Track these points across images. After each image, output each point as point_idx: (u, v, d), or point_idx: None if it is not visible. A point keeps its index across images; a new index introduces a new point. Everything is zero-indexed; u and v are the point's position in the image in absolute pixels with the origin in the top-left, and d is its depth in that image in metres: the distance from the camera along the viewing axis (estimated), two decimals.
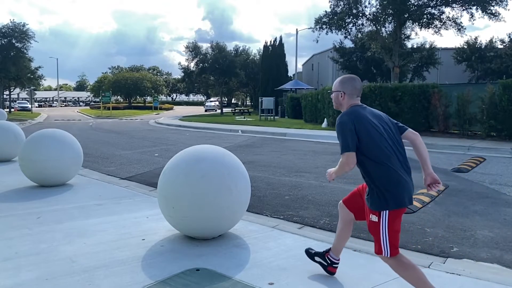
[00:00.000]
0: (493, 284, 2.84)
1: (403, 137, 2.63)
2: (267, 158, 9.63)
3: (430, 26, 24.64)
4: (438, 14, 24.34)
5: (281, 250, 3.39)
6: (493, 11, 22.53)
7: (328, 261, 2.95)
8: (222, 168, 3.52)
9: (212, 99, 65.23)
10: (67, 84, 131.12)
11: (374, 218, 2.48)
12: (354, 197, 2.83)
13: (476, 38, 38.16)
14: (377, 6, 24.60)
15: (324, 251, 3.00)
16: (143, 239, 3.63)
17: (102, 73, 78.83)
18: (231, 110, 41.58)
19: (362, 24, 26.06)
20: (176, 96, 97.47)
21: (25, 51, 34.44)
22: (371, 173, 2.46)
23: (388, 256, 2.49)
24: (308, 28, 30.84)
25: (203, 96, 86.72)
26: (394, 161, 2.46)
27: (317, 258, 3.01)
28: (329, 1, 25.64)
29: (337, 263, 2.95)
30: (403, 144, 2.58)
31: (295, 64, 41.21)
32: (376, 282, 2.82)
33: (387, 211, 2.43)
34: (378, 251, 2.51)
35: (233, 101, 76.45)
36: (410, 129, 2.67)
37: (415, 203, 5.20)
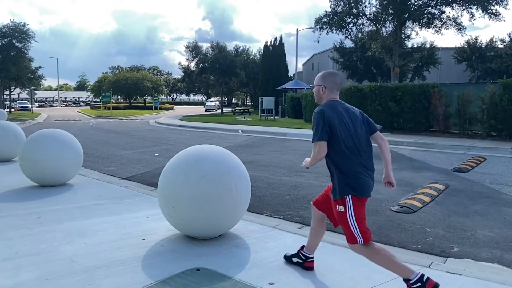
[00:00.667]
0: (493, 284, 2.84)
1: (371, 137, 2.88)
2: (267, 158, 9.63)
3: (430, 26, 24.63)
4: (438, 13, 24.33)
5: (281, 250, 3.39)
6: (493, 11, 22.53)
7: (303, 257, 3.06)
8: (222, 168, 3.52)
9: (212, 99, 65.22)
10: (67, 84, 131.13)
11: (340, 208, 2.66)
12: (323, 198, 3.02)
13: (476, 38, 38.15)
14: (377, 6, 24.60)
15: (298, 250, 3.13)
16: (144, 239, 3.63)
17: (103, 73, 78.89)
18: (231, 110, 41.58)
19: (363, 24, 26.06)
20: (177, 96, 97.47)
21: (25, 51, 34.44)
22: (336, 165, 2.69)
23: (363, 243, 2.63)
24: (308, 28, 30.86)
25: (203, 96, 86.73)
26: (357, 158, 2.70)
27: (294, 259, 3.11)
28: (329, 1, 25.64)
29: (312, 258, 3.06)
30: (370, 144, 2.83)
31: (295, 64, 41.26)
32: (376, 282, 2.82)
33: (350, 196, 2.63)
34: (353, 241, 2.65)
35: (233, 101, 76.45)
36: (379, 133, 2.91)
37: (415, 202, 5.20)
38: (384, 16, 24.59)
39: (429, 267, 3.09)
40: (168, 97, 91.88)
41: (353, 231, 2.61)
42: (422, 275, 2.52)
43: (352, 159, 2.68)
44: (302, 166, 2.94)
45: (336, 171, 2.71)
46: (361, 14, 25.40)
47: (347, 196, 2.64)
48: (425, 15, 24.30)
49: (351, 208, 2.62)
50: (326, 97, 2.81)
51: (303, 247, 3.11)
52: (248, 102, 66.53)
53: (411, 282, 2.53)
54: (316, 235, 3.07)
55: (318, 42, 26.90)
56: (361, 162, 2.72)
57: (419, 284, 2.50)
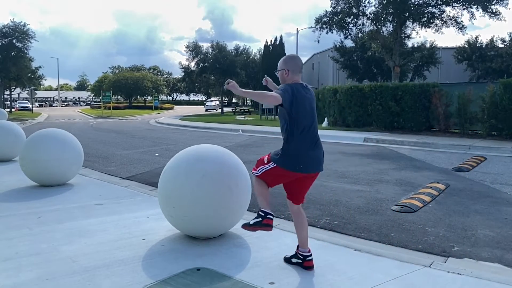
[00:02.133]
0: (494, 284, 2.83)
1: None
2: None
3: (430, 25, 24.61)
4: (438, 13, 24.31)
5: (281, 250, 3.39)
6: (494, 10, 22.51)
7: (301, 256, 3.06)
8: (222, 168, 3.52)
9: (212, 98, 65.19)
10: (67, 84, 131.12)
11: (266, 160, 2.99)
12: (288, 187, 3.13)
13: (476, 37, 38.09)
14: (377, 6, 24.58)
15: (295, 250, 3.15)
16: (144, 239, 3.63)
17: (103, 72, 78.90)
18: (232, 109, 41.57)
19: (363, 24, 26.04)
20: (177, 95, 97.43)
21: (25, 51, 34.44)
22: (289, 137, 2.90)
23: (256, 175, 3.02)
24: (309, 28, 30.83)
25: (203, 95, 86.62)
26: (306, 138, 2.90)
27: (293, 260, 3.11)
28: (330, 0, 25.62)
29: (310, 256, 3.04)
30: (317, 126, 3.05)
31: None
32: (377, 282, 2.82)
33: (276, 165, 2.91)
34: (254, 168, 3.05)
35: (233, 100, 76.41)
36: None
37: (416, 202, 5.20)
38: (384, 15, 24.57)
39: (429, 266, 3.09)
40: (168, 97, 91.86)
41: (259, 168, 3.00)
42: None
43: (302, 136, 2.88)
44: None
45: (285, 144, 2.92)
46: (361, 14, 25.38)
47: (276, 165, 2.91)
48: (426, 15, 24.28)
49: (271, 167, 2.93)
50: (290, 79, 3.01)
51: (298, 246, 3.12)
52: (248, 102, 66.52)
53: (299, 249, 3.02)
54: (299, 229, 3.12)
55: (318, 42, 26.91)
56: (310, 140, 2.92)
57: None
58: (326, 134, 14.85)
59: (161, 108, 53.01)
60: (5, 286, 2.72)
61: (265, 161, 2.98)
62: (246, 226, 2.93)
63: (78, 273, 2.91)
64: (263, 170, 2.97)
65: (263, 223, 2.88)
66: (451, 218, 4.68)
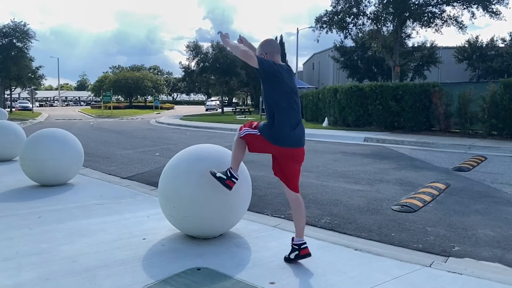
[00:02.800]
0: (494, 283, 2.83)
1: None
2: (268, 157, 9.57)
3: (431, 25, 24.60)
4: (439, 12, 24.30)
5: (282, 250, 3.38)
6: (494, 10, 22.51)
7: (296, 247, 3.10)
8: (223, 168, 3.51)
9: (212, 98, 65.19)
10: (68, 84, 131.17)
11: (254, 126, 3.15)
12: (279, 173, 3.38)
13: (477, 37, 38.13)
14: (378, 5, 24.57)
15: (291, 245, 3.19)
16: (144, 239, 3.63)
17: (103, 72, 78.92)
18: (232, 109, 41.57)
19: (363, 24, 26.03)
20: (177, 95, 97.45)
21: (26, 50, 34.43)
22: (273, 114, 3.01)
23: (238, 136, 3.20)
24: (309, 27, 30.83)
25: (203, 95, 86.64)
26: (291, 115, 3.02)
27: (291, 255, 3.12)
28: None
29: (304, 243, 3.09)
30: (300, 107, 3.16)
31: (296, 63, 41.16)
32: (377, 282, 2.82)
33: (260, 134, 3.10)
34: (240, 129, 3.23)
35: (234, 100, 76.43)
36: None
37: (416, 202, 5.20)
38: (384, 15, 24.56)
39: (430, 266, 3.09)
40: (169, 96, 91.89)
41: (243, 129, 3.19)
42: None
43: (287, 111, 3.01)
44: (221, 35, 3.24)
45: (269, 119, 3.05)
46: (361, 14, 25.37)
47: (261, 134, 3.10)
48: (426, 14, 24.27)
49: (256, 135, 3.13)
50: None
51: (293, 238, 3.18)
52: (249, 102, 66.46)
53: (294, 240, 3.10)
54: (298, 218, 3.21)
55: (318, 41, 26.92)
56: (294, 117, 3.05)
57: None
58: (327, 134, 14.86)
59: (162, 108, 53.03)
60: (6, 286, 2.72)
61: (253, 127, 3.16)
62: (211, 173, 3.20)
63: (78, 273, 2.91)
64: (247, 133, 3.16)
65: (226, 183, 3.14)
66: (451, 217, 4.67)
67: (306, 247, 3.08)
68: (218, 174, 3.17)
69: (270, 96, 3.04)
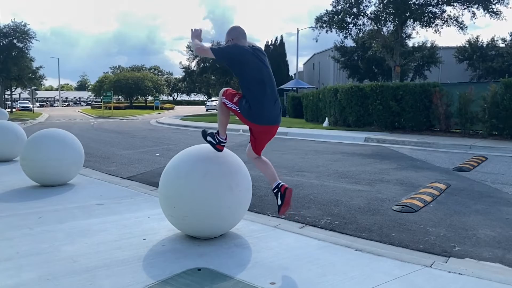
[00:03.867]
0: (495, 284, 2.83)
1: None
2: (268, 157, 9.55)
3: (431, 25, 24.60)
4: (439, 12, 24.30)
5: (282, 250, 3.38)
6: (495, 10, 22.51)
7: (276, 189, 3.36)
8: (223, 168, 3.51)
9: (213, 98, 65.12)
10: (68, 84, 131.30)
11: (235, 99, 3.28)
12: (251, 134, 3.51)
13: (477, 37, 38.11)
14: (378, 5, 24.57)
15: (215, 134, 3.48)
16: (145, 239, 3.63)
17: (103, 72, 78.88)
18: None
19: (363, 24, 26.04)
20: (177, 95, 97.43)
21: (26, 51, 34.47)
22: (248, 93, 3.18)
23: (222, 102, 3.39)
24: (309, 28, 30.83)
25: (204, 95, 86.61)
26: (266, 93, 3.20)
27: (279, 202, 3.34)
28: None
29: (280, 183, 3.35)
30: (275, 85, 3.35)
31: (296, 63, 41.20)
32: (378, 282, 2.81)
33: (239, 111, 3.27)
34: (224, 94, 3.39)
35: None
36: None
37: (416, 202, 5.19)
38: (384, 15, 24.57)
39: (430, 266, 3.09)
40: (169, 96, 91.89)
41: (229, 101, 3.34)
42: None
43: (262, 88, 3.17)
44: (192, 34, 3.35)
45: (243, 98, 3.22)
46: (361, 14, 25.37)
47: (240, 110, 3.26)
48: (426, 14, 24.27)
49: (236, 110, 3.30)
50: None
51: (272, 187, 3.42)
52: None
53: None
54: (264, 168, 3.55)
55: (317, 40, 26.92)
56: (269, 94, 3.21)
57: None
58: (327, 134, 14.86)
59: (162, 108, 53.06)
60: (6, 286, 2.72)
61: (234, 100, 3.30)
62: (202, 135, 3.46)
63: (78, 273, 2.91)
64: (230, 106, 3.35)
65: (216, 147, 3.43)
66: (452, 218, 4.67)
67: (283, 184, 3.33)
68: (209, 139, 3.42)
69: (241, 79, 3.21)
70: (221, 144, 3.45)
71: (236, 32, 3.34)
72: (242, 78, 3.20)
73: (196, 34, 3.31)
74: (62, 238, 3.67)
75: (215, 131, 3.52)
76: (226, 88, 3.46)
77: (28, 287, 2.71)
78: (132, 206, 4.79)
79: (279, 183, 3.35)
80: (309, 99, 22.85)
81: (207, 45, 3.32)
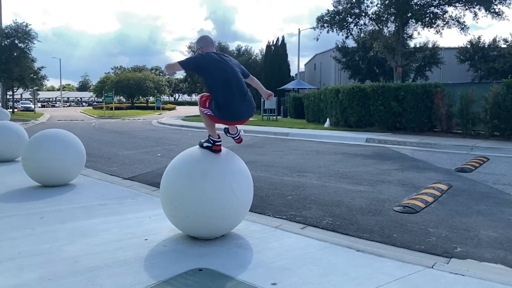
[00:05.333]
0: (497, 285, 2.82)
1: (246, 80, 3.66)
2: (269, 158, 9.62)
3: (433, 25, 24.58)
4: (441, 13, 24.27)
5: (283, 250, 3.38)
6: (497, 10, 22.48)
7: (212, 142, 3.59)
8: (224, 168, 3.51)
9: None
10: (70, 85, 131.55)
11: (207, 105, 3.50)
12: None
13: (479, 38, 38.06)
14: (380, 5, 24.55)
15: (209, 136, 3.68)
16: (146, 239, 3.63)
17: (105, 73, 78.96)
18: None
19: (364, 24, 26.03)
20: (179, 96, 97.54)
21: (28, 51, 34.51)
22: (216, 94, 3.37)
23: (201, 111, 3.61)
24: (310, 28, 30.83)
25: None
26: (232, 90, 3.35)
27: (204, 144, 3.60)
28: (332, 0, 25.62)
29: (219, 142, 3.59)
30: (242, 79, 3.51)
31: (297, 64, 41.20)
32: (380, 282, 2.81)
33: (212, 114, 3.48)
34: (200, 104, 3.59)
35: None
36: (250, 76, 3.74)
37: (418, 203, 5.19)
38: (386, 15, 24.55)
39: (432, 267, 3.08)
40: (170, 97, 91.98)
41: (202, 109, 3.57)
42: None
43: (227, 88, 3.33)
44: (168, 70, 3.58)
45: (213, 100, 3.41)
46: (363, 14, 25.36)
47: (212, 112, 3.47)
48: (428, 15, 24.25)
49: (210, 114, 3.51)
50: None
51: (208, 137, 3.65)
52: None
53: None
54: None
55: (317, 40, 26.92)
56: (235, 91, 3.37)
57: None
58: (328, 135, 14.85)
59: (163, 109, 53.09)
60: (8, 286, 2.72)
61: (206, 106, 3.51)
62: (200, 145, 3.59)
63: (80, 273, 2.92)
64: (206, 113, 3.55)
65: (213, 149, 3.55)
66: (453, 218, 4.66)
67: (220, 144, 3.57)
68: (205, 144, 3.56)
69: (208, 83, 3.41)
70: (216, 144, 3.56)
71: (205, 41, 3.63)
72: (209, 82, 3.40)
73: (170, 66, 3.57)
74: (64, 238, 3.67)
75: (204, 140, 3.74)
76: (201, 95, 3.63)
77: (29, 287, 2.71)
78: (134, 207, 4.79)
79: (217, 141, 3.59)
80: (310, 99, 22.85)
81: (175, 60, 3.64)
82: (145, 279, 2.82)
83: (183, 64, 3.41)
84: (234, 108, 3.38)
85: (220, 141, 3.57)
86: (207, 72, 3.38)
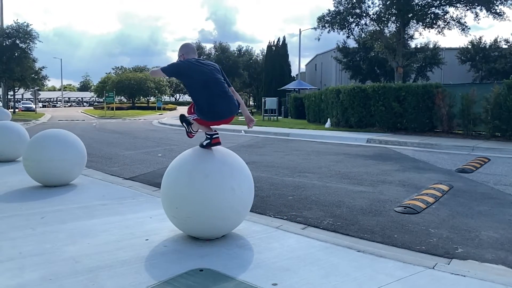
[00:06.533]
0: (498, 286, 2.82)
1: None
2: (270, 158, 9.62)
3: (434, 26, 24.57)
4: (442, 14, 24.26)
5: (284, 251, 3.38)
6: (498, 11, 22.46)
7: (209, 136, 3.66)
8: (225, 168, 3.51)
9: None
10: (71, 85, 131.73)
11: (192, 110, 3.66)
12: None
13: (480, 38, 37.99)
14: (381, 6, 24.54)
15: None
16: (147, 240, 3.63)
17: (106, 73, 78.99)
18: None
19: (365, 24, 26.02)
20: (180, 96, 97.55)
21: (29, 51, 34.53)
22: (198, 97, 3.52)
23: (193, 119, 3.70)
24: (311, 28, 30.83)
25: None
26: (212, 90, 3.48)
27: (205, 143, 3.66)
28: (333, 0, 25.62)
29: (217, 134, 3.68)
30: (221, 80, 3.61)
31: (298, 64, 41.21)
32: (381, 283, 2.81)
33: (198, 118, 3.61)
34: (188, 113, 3.75)
35: None
36: (231, 87, 3.77)
37: (419, 203, 5.18)
38: (387, 16, 24.55)
39: (433, 268, 3.08)
40: (171, 97, 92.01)
41: (190, 116, 3.72)
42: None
43: (209, 92, 3.47)
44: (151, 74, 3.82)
45: (196, 102, 3.56)
46: (364, 14, 25.36)
47: (198, 117, 3.60)
48: (429, 15, 24.23)
49: (197, 119, 3.64)
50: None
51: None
52: (251, 103, 66.45)
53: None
54: None
55: (319, 40, 26.92)
56: (217, 93, 3.50)
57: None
58: (329, 135, 14.85)
59: (164, 109, 53.14)
60: (9, 286, 2.72)
61: (192, 111, 3.67)
62: (201, 146, 3.65)
63: (81, 273, 2.92)
64: (194, 119, 3.68)
65: (213, 143, 3.61)
66: (454, 219, 4.66)
67: (218, 137, 3.63)
68: (205, 143, 3.62)
69: (189, 87, 3.56)
70: (214, 137, 3.62)
71: (187, 48, 3.82)
72: (190, 86, 3.54)
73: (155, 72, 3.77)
74: (65, 238, 3.67)
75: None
76: (188, 108, 3.82)
77: (30, 287, 2.72)
78: (134, 207, 4.79)
79: (214, 135, 3.64)
80: (311, 100, 22.85)
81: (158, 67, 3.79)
82: (145, 280, 2.82)
83: (165, 70, 3.61)
84: (215, 107, 3.49)
85: (217, 133, 3.64)
86: (188, 76, 3.54)
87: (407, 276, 2.93)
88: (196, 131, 3.84)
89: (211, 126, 3.70)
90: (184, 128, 3.92)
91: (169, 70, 3.63)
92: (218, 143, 3.63)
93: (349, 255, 3.33)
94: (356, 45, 33.98)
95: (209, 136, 3.62)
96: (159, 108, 51.19)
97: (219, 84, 3.55)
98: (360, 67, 35.76)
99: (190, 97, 3.61)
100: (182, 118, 3.93)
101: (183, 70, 3.59)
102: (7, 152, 8.23)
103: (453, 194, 5.88)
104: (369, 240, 3.99)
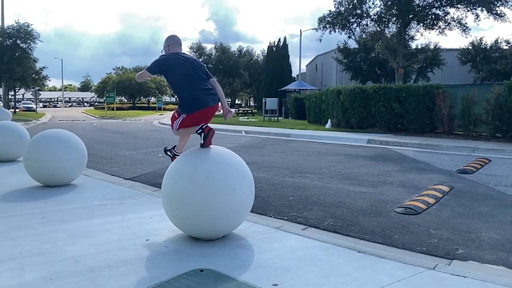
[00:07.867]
0: (499, 287, 2.81)
1: (210, 81, 3.93)
2: (271, 158, 9.62)
3: (434, 27, 24.57)
4: (442, 14, 24.26)
5: (285, 251, 3.38)
6: (498, 12, 22.46)
7: (202, 135, 3.65)
8: (226, 169, 3.51)
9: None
10: (71, 85, 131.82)
11: (176, 115, 3.86)
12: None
13: (481, 39, 38.01)
14: (381, 7, 24.55)
15: (172, 147, 4.37)
16: (147, 240, 3.63)
17: (106, 73, 79.08)
18: (235, 110, 41.56)
19: (366, 25, 26.03)
20: None
21: (29, 51, 34.56)
22: (180, 90, 3.74)
23: (175, 130, 3.95)
24: (312, 29, 30.83)
25: None
26: (194, 84, 3.70)
27: (202, 141, 3.65)
28: (334, 1, 25.64)
29: (206, 126, 3.68)
30: (203, 76, 3.83)
31: (299, 65, 41.23)
32: (381, 284, 2.81)
33: (185, 115, 3.81)
34: (171, 127, 3.99)
35: (236, 101, 76.47)
36: (213, 79, 3.98)
37: (419, 204, 5.18)
38: (388, 16, 24.55)
39: (433, 269, 3.08)
40: (172, 97, 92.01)
41: (174, 125, 3.91)
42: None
43: (190, 86, 3.66)
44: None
45: (179, 97, 3.76)
46: (365, 15, 25.37)
47: (182, 114, 3.81)
48: (430, 16, 24.24)
49: (182, 118, 3.83)
50: (172, 51, 3.91)
51: (174, 146, 4.28)
52: (252, 103, 66.51)
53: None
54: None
55: (320, 41, 26.95)
56: (198, 87, 3.70)
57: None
58: (330, 136, 14.84)
59: (165, 109, 53.15)
60: (10, 286, 2.72)
61: (176, 116, 3.84)
62: (201, 146, 3.62)
63: (81, 273, 2.92)
64: (179, 122, 3.82)
65: (206, 132, 3.61)
66: (455, 220, 4.65)
67: (207, 126, 3.66)
68: (202, 139, 3.65)
69: (172, 82, 3.75)
70: (204, 127, 3.67)
71: (172, 40, 3.94)
72: (172, 79, 3.73)
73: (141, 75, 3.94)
74: (65, 238, 3.67)
75: (170, 147, 4.33)
76: (171, 116, 4.02)
77: (31, 287, 2.72)
78: (135, 207, 4.79)
79: (203, 125, 3.64)
80: (311, 100, 22.85)
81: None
82: (146, 280, 2.82)
83: (150, 69, 3.75)
84: (198, 98, 3.67)
85: (205, 124, 3.70)
86: (171, 72, 3.72)
87: (408, 276, 2.93)
88: (179, 152, 4.06)
89: (196, 125, 3.77)
90: (170, 157, 4.19)
91: (154, 68, 3.77)
92: (211, 130, 3.64)
93: (349, 256, 3.33)
94: (356, 46, 33.99)
95: (200, 130, 3.64)
96: (159, 109, 51.21)
97: (200, 79, 3.76)
98: (361, 68, 35.78)
99: (173, 90, 3.84)
100: (164, 150, 4.33)
101: (167, 67, 3.74)
102: (7, 152, 8.24)
103: (453, 195, 5.87)
104: (369, 240, 3.99)
